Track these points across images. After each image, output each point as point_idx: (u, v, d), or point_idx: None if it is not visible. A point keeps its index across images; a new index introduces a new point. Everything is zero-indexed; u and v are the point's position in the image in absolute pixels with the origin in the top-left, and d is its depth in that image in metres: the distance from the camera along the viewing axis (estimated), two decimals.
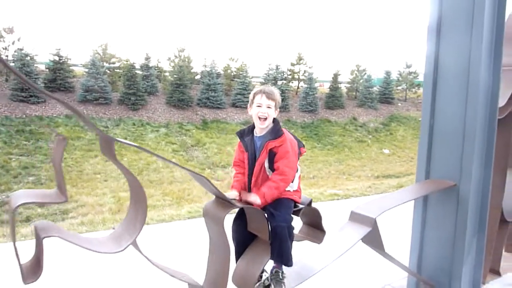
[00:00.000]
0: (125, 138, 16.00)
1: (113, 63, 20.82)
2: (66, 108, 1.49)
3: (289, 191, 2.29)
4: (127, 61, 21.02)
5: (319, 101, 22.91)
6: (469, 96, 3.44)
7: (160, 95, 20.40)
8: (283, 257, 2.15)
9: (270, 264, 2.29)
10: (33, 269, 1.54)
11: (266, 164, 2.21)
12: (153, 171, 13.41)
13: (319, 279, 2.60)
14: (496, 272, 4.16)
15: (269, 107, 2.19)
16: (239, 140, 2.29)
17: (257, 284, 2.32)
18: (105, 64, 19.93)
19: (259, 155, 2.20)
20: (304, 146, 2.44)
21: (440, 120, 3.60)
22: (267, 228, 2.20)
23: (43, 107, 16.35)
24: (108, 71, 19.71)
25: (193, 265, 2.63)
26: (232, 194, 2.15)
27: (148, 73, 20.19)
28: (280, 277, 2.22)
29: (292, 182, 2.28)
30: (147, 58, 20.49)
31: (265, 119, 2.19)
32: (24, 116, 15.17)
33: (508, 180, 4.11)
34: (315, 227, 2.59)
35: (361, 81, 25.74)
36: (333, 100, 23.74)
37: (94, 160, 13.47)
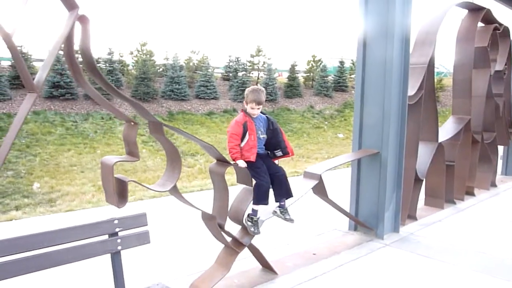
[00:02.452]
0: (95, 132, 16.65)
1: (77, 58, 21.07)
2: (124, 100, 2.58)
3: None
4: None
5: (279, 91, 24.23)
6: (386, 88, 4.83)
7: (125, 89, 20.95)
8: (289, 191, 3.49)
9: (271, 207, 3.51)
10: (122, 200, 2.66)
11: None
12: (127, 162, 14.23)
13: (285, 225, 3.85)
14: (413, 217, 5.60)
15: (258, 108, 3.41)
16: (240, 119, 3.40)
17: (245, 218, 3.55)
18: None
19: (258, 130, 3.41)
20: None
21: (367, 107, 4.96)
22: (250, 180, 3.42)
23: (10, 104, 16.61)
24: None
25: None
26: (241, 162, 3.31)
27: (112, 67, 20.66)
28: (287, 209, 3.52)
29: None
30: (110, 53, 20.93)
31: (254, 115, 3.44)
32: None
33: (419, 149, 5.52)
34: None
35: (317, 70, 27.28)
36: (292, 89, 25.14)
37: (68, 154, 14.10)
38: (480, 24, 6.92)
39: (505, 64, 7.77)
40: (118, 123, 17.67)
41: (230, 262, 3.40)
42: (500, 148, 8.74)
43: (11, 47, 2.17)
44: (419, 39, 5.60)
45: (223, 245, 3.52)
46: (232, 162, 3.31)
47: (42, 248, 2.25)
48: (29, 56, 18.86)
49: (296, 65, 26.28)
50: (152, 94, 20.32)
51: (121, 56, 23.39)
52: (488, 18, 7.03)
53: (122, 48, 24.22)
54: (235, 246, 3.43)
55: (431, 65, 5.49)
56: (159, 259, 4.34)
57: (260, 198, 3.36)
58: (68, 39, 2.32)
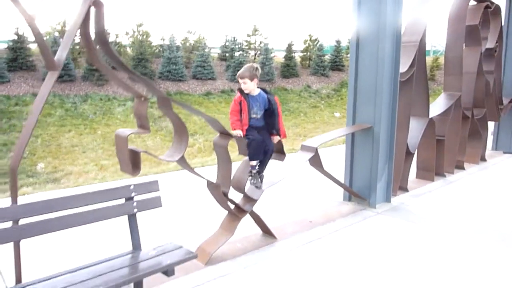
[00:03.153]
0: (94, 113, 16.83)
1: (73, 40, 21.09)
2: (134, 77, 2.87)
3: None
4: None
5: (275, 71, 24.34)
6: (379, 66, 5.07)
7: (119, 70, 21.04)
8: (263, 168, 3.76)
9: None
10: (136, 169, 2.93)
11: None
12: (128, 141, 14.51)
13: (284, 195, 4.13)
14: (404, 189, 5.91)
15: (244, 83, 3.64)
16: (236, 98, 3.66)
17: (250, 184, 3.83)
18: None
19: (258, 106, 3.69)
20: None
21: (360, 83, 5.21)
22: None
23: (8, 86, 16.73)
24: (69, 48, 20.04)
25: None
26: (237, 132, 3.57)
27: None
28: (257, 176, 3.78)
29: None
30: (106, 34, 20.94)
31: (247, 90, 3.65)
32: None
33: (411, 124, 5.78)
34: (280, 152, 4.11)
35: (313, 50, 27.31)
36: (288, 69, 25.22)
37: (69, 135, 14.32)
38: (472, 2, 7.11)
39: (496, 42, 7.98)
40: (116, 104, 17.86)
41: (234, 227, 3.70)
42: (491, 124, 9.04)
43: (34, 29, 2.40)
44: (411, 18, 5.80)
45: (226, 212, 3.81)
46: (233, 134, 3.58)
47: (71, 208, 2.53)
48: (25, 39, 18.86)
49: (292, 45, 26.27)
50: (149, 75, 20.41)
51: (117, 37, 23.40)
52: None
53: (118, 29, 24.07)
54: (238, 212, 3.73)
55: (422, 43, 5.71)
56: (169, 223, 4.67)
57: (252, 154, 3.65)
58: (84, 22, 2.54)
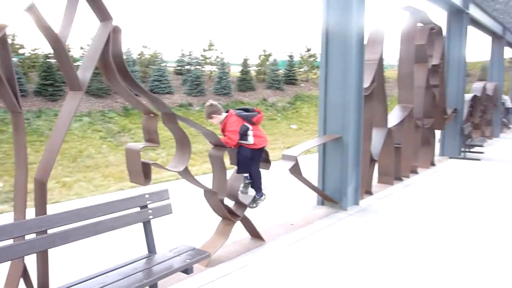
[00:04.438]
0: (49, 129, 16.34)
1: (23, 54, 20.41)
2: (146, 96, 3.18)
3: (249, 143, 4.08)
4: (34, 51, 20.80)
5: (232, 85, 24.83)
6: (346, 81, 5.62)
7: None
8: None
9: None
10: (147, 179, 3.20)
11: None
12: (87, 157, 14.25)
13: (266, 202, 4.50)
14: (369, 192, 6.49)
15: (212, 120, 4.03)
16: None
17: (239, 192, 4.17)
18: (14, 55, 19.50)
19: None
20: (255, 115, 4.17)
21: (330, 97, 5.74)
22: None
23: None
24: (19, 62, 19.39)
25: None
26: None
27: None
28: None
29: (246, 140, 4.04)
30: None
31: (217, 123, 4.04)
32: None
33: (373, 134, 6.40)
34: (265, 161, 4.50)
35: (268, 64, 28.15)
36: (245, 83, 25.83)
37: None
38: (419, 24, 7.96)
39: (440, 59, 8.92)
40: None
41: (228, 231, 4.02)
42: (438, 133, 10.00)
43: (61, 48, 2.63)
44: (371, 38, 6.45)
45: (220, 218, 4.13)
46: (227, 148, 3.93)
47: (94, 218, 2.75)
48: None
49: (248, 59, 26.97)
50: (105, 90, 20.13)
51: (69, 51, 22.91)
52: (425, 20, 8.10)
53: (71, 43, 23.54)
54: (232, 218, 4.06)
55: (381, 61, 6.38)
56: (165, 229, 4.88)
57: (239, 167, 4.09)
58: (106, 46, 2.81)
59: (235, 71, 28.36)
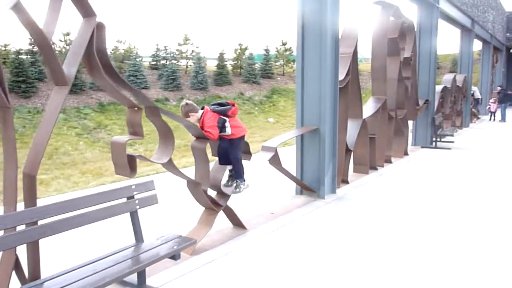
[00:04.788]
0: (24, 127, 16.05)
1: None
2: (129, 90, 3.27)
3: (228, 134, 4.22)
4: (5, 47, 20.27)
5: (209, 79, 24.83)
6: (322, 74, 5.80)
7: (49, 81, 20.20)
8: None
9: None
10: (133, 171, 3.30)
11: None
12: (63, 154, 14.08)
13: (246, 192, 4.64)
14: (346, 181, 6.73)
15: (189, 118, 4.12)
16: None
17: (222, 185, 4.31)
18: None
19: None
20: (229, 108, 4.27)
21: (307, 90, 5.92)
22: None
23: None
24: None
25: None
26: None
27: (34, 59, 19.78)
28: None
29: (225, 132, 4.18)
30: (32, 43, 19.99)
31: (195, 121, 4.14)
32: None
33: (348, 125, 6.61)
34: (246, 153, 4.65)
35: (244, 58, 28.24)
36: (221, 77, 25.89)
37: None
38: (391, 18, 8.24)
39: (412, 52, 9.25)
40: None
41: (212, 221, 4.16)
42: (410, 123, 10.36)
43: (44, 41, 2.69)
44: (345, 32, 6.66)
45: (203, 208, 4.26)
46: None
47: (82, 208, 2.84)
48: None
49: (224, 53, 27.00)
50: (80, 86, 19.83)
51: (54, 46, 22.36)
52: (397, 14, 8.38)
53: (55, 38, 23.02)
54: (215, 207, 4.19)
55: (355, 54, 6.60)
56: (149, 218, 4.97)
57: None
58: (89, 43, 2.89)
59: (211, 65, 28.34)
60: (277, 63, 30.80)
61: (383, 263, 3.74)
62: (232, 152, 4.25)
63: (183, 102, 4.21)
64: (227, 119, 4.17)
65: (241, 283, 3.35)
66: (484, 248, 4.13)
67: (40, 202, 2.97)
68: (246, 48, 29.11)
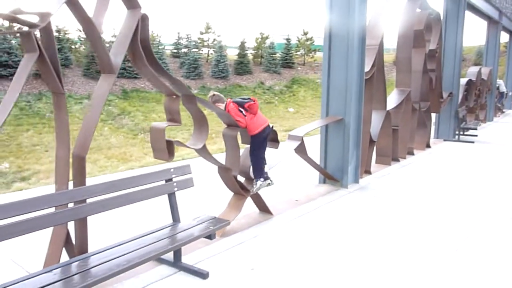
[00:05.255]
0: (51, 112, 16.50)
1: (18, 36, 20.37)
2: (168, 78, 3.40)
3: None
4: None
5: (230, 68, 24.95)
6: (348, 66, 5.87)
7: (74, 67, 20.67)
8: None
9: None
10: (171, 155, 3.49)
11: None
12: None
13: (277, 175, 4.79)
14: (368, 172, 6.83)
15: (218, 105, 4.24)
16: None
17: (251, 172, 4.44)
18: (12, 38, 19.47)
19: None
20: (247, 102, 4.38)
21: (333, 81, 6.01)
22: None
23: None
24: (19, 45, 19.36)
25: None
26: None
27: (61, 46, 20.21)
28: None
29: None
30: (57, 31, 20.44)
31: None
32: None
33: (372, 116, 6.69)
34: (274, 141, 4.80)
35: (265, 47, 28.21)
36: (242, 66, 25.94)
37: (28, 134, 14.06)
38: (417, 10, 8.20)
39: (437, 44, 9.19)
40: (73, 102, 17.59)
41: (241, 205, 4.35)
42: (433, 116, 10.32)
43: (95, 32, 2.88)
44: (371, 24, 6.70)
45: (232, 193, 4.45)
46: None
47: (126, 189, 3.05)
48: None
49: (245, 42, 27.01)
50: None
51: (66, 34, 22.84)
52: (424, 5, 8.33)
53: (67, 25, 23.43)
54: (243, 193, 4.38)
55: (381, 45, 6.64)
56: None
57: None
58: (134, 33, 3.07)
59: (232, 54, 28.42)
60: (298, 53, 30.65)
61: (398, 248, 3.88)
62: (251, 149, 4.42)
63: (211, 93, 4.36)
64: (244, 112, 4.30)
65: (269, 264, 3.53)
66: (496, 238, 4.21)
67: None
68: (267, 37, 29.03)
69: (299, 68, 29.16)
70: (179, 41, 26.40)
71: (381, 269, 3.49)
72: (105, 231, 4.18)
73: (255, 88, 24.20)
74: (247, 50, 27.05)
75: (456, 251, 3.86)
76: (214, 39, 26.75)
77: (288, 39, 29.40)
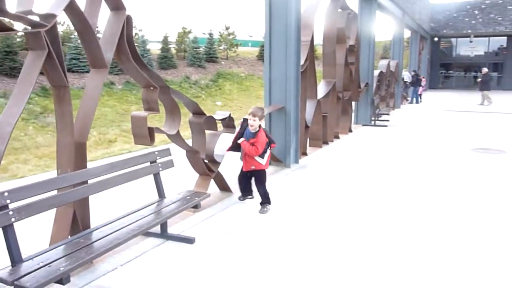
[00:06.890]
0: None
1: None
2: (146, 72, 3.89)
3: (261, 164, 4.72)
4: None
5: (154, 63, 24.77)
6: (287, 60, 6.62)
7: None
8: None
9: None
10: (152, 140, 3.95)
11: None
12: (13, 140, 13.72)
13: (228, 163, 5.35)
14: (305, 153, 7.70)
15: (254, 120, 4.51)
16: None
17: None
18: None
19: (248, 139, 4.56)
20: (274, 143, 4.78)
21: (274, 73, 6.75)
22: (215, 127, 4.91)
23: None
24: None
25: None
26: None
27: None
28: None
29: (262, 158, 4.69)
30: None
31: (252, 126, 4.51)
32: None
33: (307, 105, 7.56)
34: (231, 127, 5.40)
35: (188, 42, 28.34)
36: (166, 61, 25.85)
37: None
38: (339, 10, 9.28)
39: (355, 40, 10.42)
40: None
41: (207, 184, 4.91)
42: (353, 104, 11.64)
43: (89, 28, 3.25)
44: (303, 22, 7.55)
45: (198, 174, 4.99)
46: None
47: (117, 171, 3.47)
48: None
49: (168, 37, 26.93)
50: (19, 69, 18.97)
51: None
52: (344, 6, 9.45)
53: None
54: (209, 173, 4.94)
55: (312, 41, 7.54)
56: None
57: None
58: (121, 33, 3.48)
59: (154, 48, 28.10)
60: (221, 47, 31.22)
61: (333, 214, 4.77)
62: (261, 179, 4.79)
63: (261, 108, 4.59)
64: (268, 149, 4.61)
65: (241, 229, 4.18)
66: (405, 198, 5.31)
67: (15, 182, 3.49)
68: (189, 32, 29.19)
69: (222, 62, 29.76)
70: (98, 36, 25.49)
71: (325, 228, 4.32)
72: (100, 209, 4.44)
73: (181, 82, 24.35)
74: (170, 45, 26.97)
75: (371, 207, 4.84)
76: (136, 34, 26.27)
77: (210, 34, 29.80)
